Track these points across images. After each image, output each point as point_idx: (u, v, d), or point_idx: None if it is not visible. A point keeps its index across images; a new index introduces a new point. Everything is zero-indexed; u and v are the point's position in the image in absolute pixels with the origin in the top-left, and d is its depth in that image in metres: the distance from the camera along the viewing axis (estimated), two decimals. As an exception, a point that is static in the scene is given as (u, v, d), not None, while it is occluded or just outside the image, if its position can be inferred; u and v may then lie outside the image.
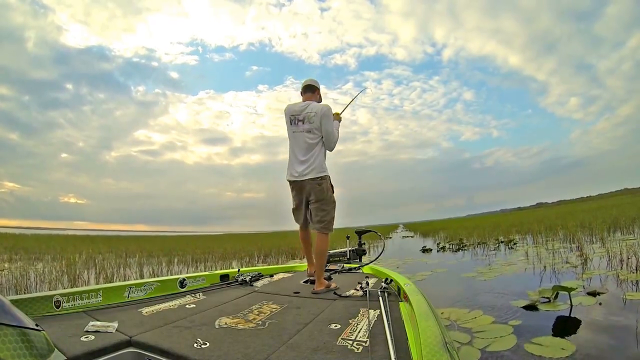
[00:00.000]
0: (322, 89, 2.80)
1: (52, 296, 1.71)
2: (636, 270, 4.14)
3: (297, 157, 2.53)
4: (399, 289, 2.04)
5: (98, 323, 1.44)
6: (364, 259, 3.81)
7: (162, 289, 2.28)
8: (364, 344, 1.29)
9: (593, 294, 3.29)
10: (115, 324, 1.45)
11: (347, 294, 2.16)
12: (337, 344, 1.31)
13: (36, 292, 4.71)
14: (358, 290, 2.17)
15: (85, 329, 1.38)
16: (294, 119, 2.57)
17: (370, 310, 1.66)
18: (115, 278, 5.89)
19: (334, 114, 2.78)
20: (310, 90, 2.68)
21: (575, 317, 2.81)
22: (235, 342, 1.33)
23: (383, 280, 2.23)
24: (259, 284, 2.64)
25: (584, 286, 3.58)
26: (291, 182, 2.59)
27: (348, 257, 3.78)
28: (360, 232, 3.92)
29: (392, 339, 1.22)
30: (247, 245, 14.19)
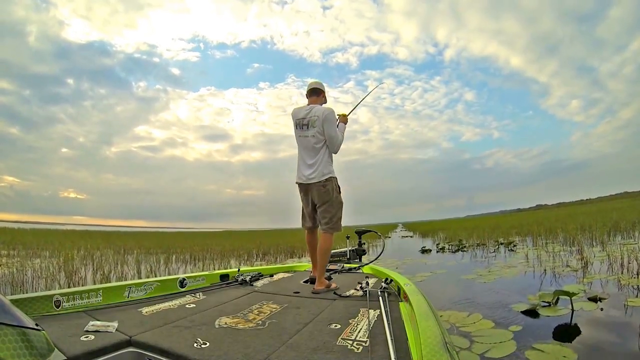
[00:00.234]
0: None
1: (52, 296, 1.71)
2: (637, 275, 4.12)
3: (305, 160, 2.60)
4: (399, 289, 2.04)
5: (98, 323, 1.44)
6: (364, 259, 3.81)
7: (162, 288, 2.28)
8: (364, 344, 1.29)
9: (594, 299, 3.26)
10: (115, 324, 1.45)
11: (347, 294, 2.16)
12: (337, 344, 1.31)
13: (33, 288, 4.69)
14: (358, 290, 2.17)
15: (85, 329, 1.38)
16: (299, 123, 2.61)
17: (370, 310, 1.66)
18: (112, 275, 5.86)
19: (340, 115, 2.77)
20: (315, 94, 2.68)
21: (576, 324, 2.78)
22: (235, 342, 1.32)
23: (383, 280, 2.23)
24: (259, 283, 2.64)
25: (585, 291, 3.56)
26: (300, 185, 2.66)
27: (348, 257, 3.79)
28: (360, 232, 3.92)
29: (392, 339, 1.22)
30: (246, 242, 14.18)
